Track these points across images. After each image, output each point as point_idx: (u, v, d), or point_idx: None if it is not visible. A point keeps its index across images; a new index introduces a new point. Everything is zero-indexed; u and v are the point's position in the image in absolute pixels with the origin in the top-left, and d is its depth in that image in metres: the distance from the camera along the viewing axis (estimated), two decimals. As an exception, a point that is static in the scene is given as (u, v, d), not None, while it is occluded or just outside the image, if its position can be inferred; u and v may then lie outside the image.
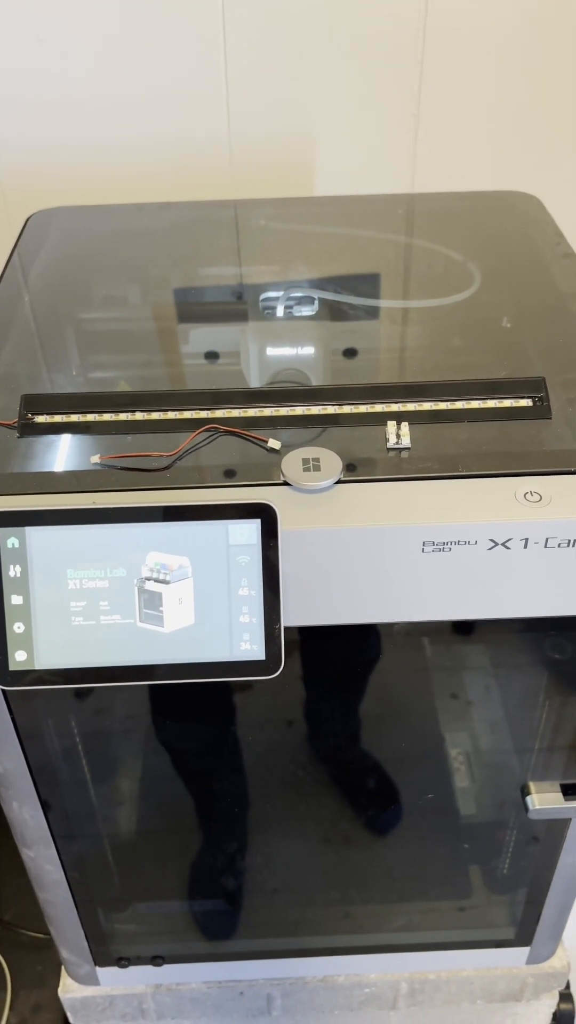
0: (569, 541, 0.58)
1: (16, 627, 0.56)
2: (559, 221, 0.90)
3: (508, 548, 0.58)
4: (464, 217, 0.95)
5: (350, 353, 0.77)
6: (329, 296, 0.82)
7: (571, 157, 1.12)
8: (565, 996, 1.08)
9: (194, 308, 0.84)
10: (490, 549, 0.58)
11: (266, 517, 0.55)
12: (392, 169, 1.12)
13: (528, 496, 0.59)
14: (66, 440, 0.64)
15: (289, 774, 0.84)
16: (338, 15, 1.01)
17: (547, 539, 0.58)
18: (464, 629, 0.70)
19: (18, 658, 0.56)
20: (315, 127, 1.09)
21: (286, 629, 0.59)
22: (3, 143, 1.08)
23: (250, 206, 0.99)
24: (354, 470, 0.61)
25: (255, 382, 0.74)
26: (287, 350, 0.78)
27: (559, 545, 0.58)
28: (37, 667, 0.57)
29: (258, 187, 1.12)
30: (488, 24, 1.02)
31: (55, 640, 0.56)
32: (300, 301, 0.81)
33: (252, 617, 0.56)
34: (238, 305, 0.84)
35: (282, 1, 1.00)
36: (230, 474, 0.61)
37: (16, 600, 0.56)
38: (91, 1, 0.98)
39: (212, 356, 0.78)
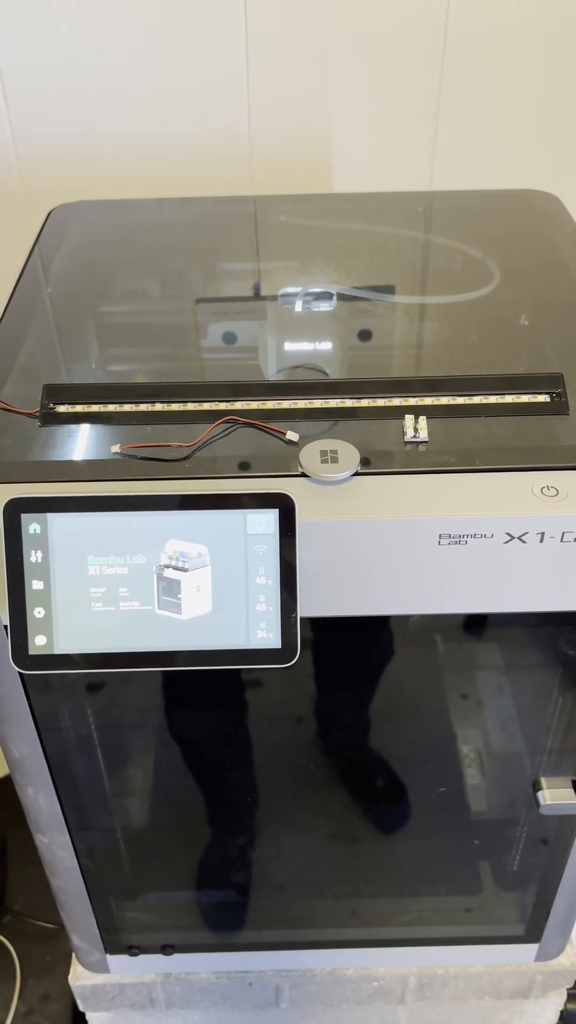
0: (585, 536, 0.58)
1: (36, 612, 0.57)
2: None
3: (524, 542, 0.59)
4: (483, 215, 0.95)
5: (368, 347, 0.78)
6: (347, 292, 0.82)
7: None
8: (574, 996, 1.08)
9: (213, 302, 0.85)
10: (506, 543, 0.59)
11: (284, 507, 0.56)
12: (411, 166, 1.13)
13: (545, 490, 0.59)
14: (86, 430, 0.65)
15: (299, 769, 0.84)
16: (359, 13, 1.02)
17: (563, 533, 0.58)
18: (476, 625, 0.70)
19: (38, 642, 0.57)
20: (335, 124, 1.09)
21: (300, 622, 0.60)
22: (27, 137, 1.09)
23: (269, 202, 0.99)
24: (371, 463, 0.61)
25: (274, 375, 0.75)
26: (305, 344, 0.78)
27: (575, 540, 0.59)
28: (56, 651, 0.57)
29: (278, 183, 1.12)
30: (509, 22, 1.02)
31: (74, 625, 0.57)
32: (318, 296, 0.81)
33: (269, 606, 0.57)
34: (257, 299, 0.85)
35: (304, -1, 1.01)
36: (248, 465, 0.61)
37: (37, 585, 0.56)
38: (115, -2, 0.99)
39: (231, 349, 0.79)
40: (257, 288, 0.87)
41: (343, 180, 1.13)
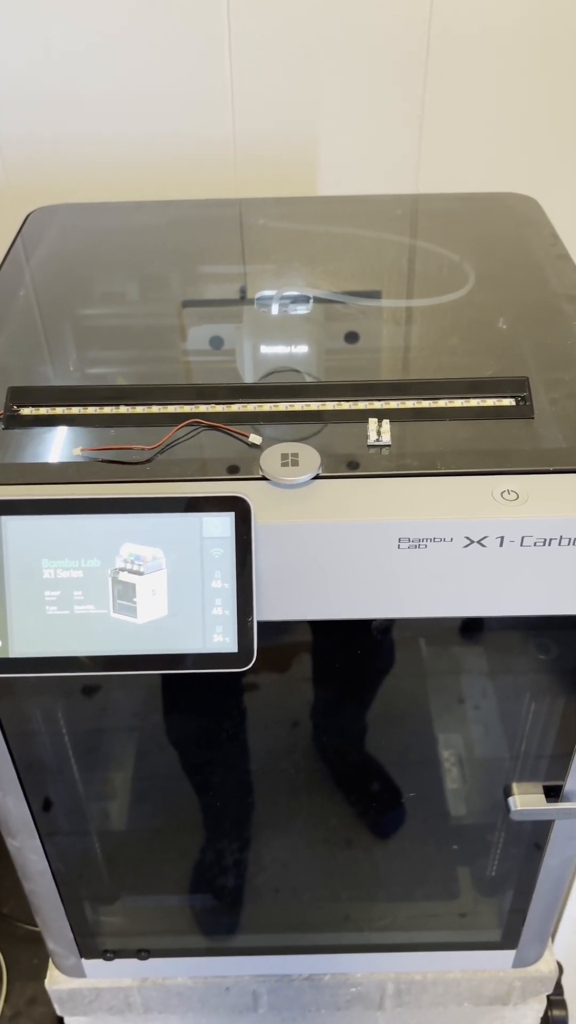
0: (545, 540, 0.58)
1: (-9, 615, 0.57)
2: (559, 222, 0.90)
3: (484, 546, 0.58)
4: (462, 218, 0.95)
5: (341, 350, 0.78)
6: (324, 295, 0.82)
7: (572, 159, 1.11)
8: (558, 1002, 1.08)
9: (189, 305, 0.85)
10: (466, 547, 0.58)
11: (240, 510, 0.56)
12: (396, 170, 1.13)
13: (505, 495, 0.59)
14: (50, 432, 0.65)
15: (280, 774, 0.84)
16: (344, 17, 1.02)
17: (523, 538, 0.58)
18: (451, 630, 0.70)
19: (-7, 646, 0.57)
20: (320, 128, 1.09)
21: (286, 627, 0.60)
22: (10, 140, 1.09)
23: (251, 205, 0.99)
24: (333, 466, 0.61)
25: (246, 378, 0.74)
26: (278, 348, 0.78)
27: (535, 544, 0.58)
28: (11, 655, 0.57)
29: (262, 186, 1.13)
30: (491, 29, 1.02)
31: (30, 629, 0.57)
32: (295, 299, 0.81)
33: (225, 610, 0.57)
34: (233, 302, 0.85)
35: (287, 2, 1.00)
36: (210, 468, 0.61)
37: (-9, 588, 0.56)
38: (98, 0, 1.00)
39: (204, 352, 0.79)
40: (235, 291, 0.87)
41: (328, 185, 1.13)
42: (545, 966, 0.97)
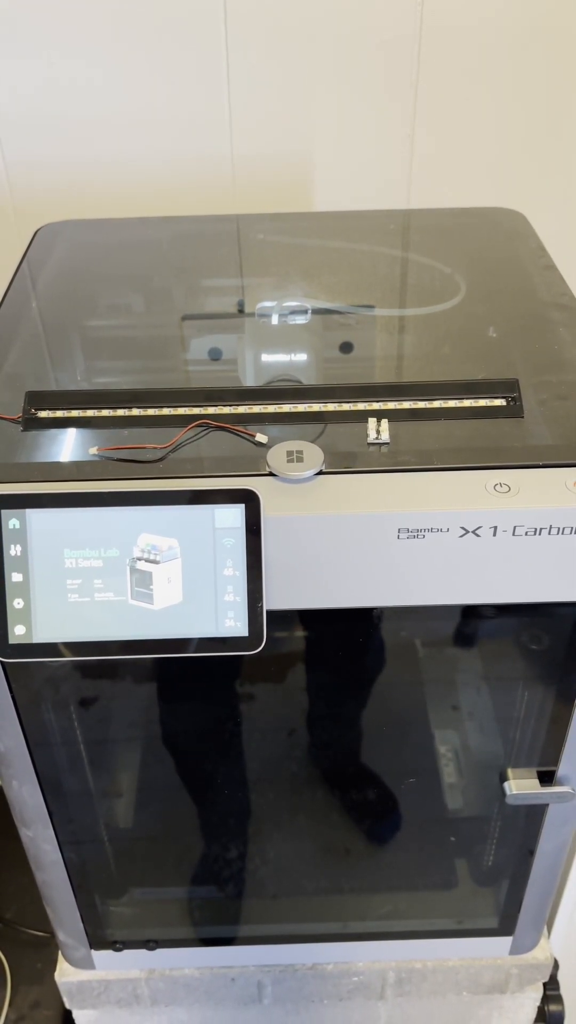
0: (536, 529, 0.62)
1: (16, 603, 0.60)
2: (547, 234, 0.94)
3: (478, 536, 0.62)
4: (453, 231, 0.99)
5: (340, 357, 0.82)
6: (322, 305, 0.86)
7: (559, 175, 1.16)
8: (554, 997, 1.10)
9: (192, 318, 0.89)
10: (461, 537, 0.62)
11: (250, 502, 0.59)
12: (389, 186, 1.17)
13: (498, 487, 0.62)
14: (67, 434, 0.69)
15: (285, 775, 0.87)
16: (337, 39, 1.06)
17: (515, 527, 0.62)
18: (444, 621, 0.73)
19: (17, 632, 0.60)
20: (315, 147, 1.13)
21: (285, 619, 0.62)
22: (16, 161, 1.13)
23: (250, 220, 1.03)
24: (336, 463, 0.64)
25: (249, 384, 0.78)
26: (280, 356, 0.82)
27: (526, 533, 0.62)
28: (35, 641, 0.60)
29: (260, 204, 1.16)
30: (481, 48, 1.07)
31: (52, 615, 0.60)
32: (294, 310, 0.85)
33: (236, 596, 0.60)
34: (235, 315, 0.88)
35: (283, 25, 1.05)
36: (220, 465, 0.65)
37: (16, 577, 0.60)
38: (101, 26, 1.04)
39: (207, 363, 0.82)
40: (236, 302, 0.91)
41: (324, 203, 1.17)
42: (541, 953, 1.00)
